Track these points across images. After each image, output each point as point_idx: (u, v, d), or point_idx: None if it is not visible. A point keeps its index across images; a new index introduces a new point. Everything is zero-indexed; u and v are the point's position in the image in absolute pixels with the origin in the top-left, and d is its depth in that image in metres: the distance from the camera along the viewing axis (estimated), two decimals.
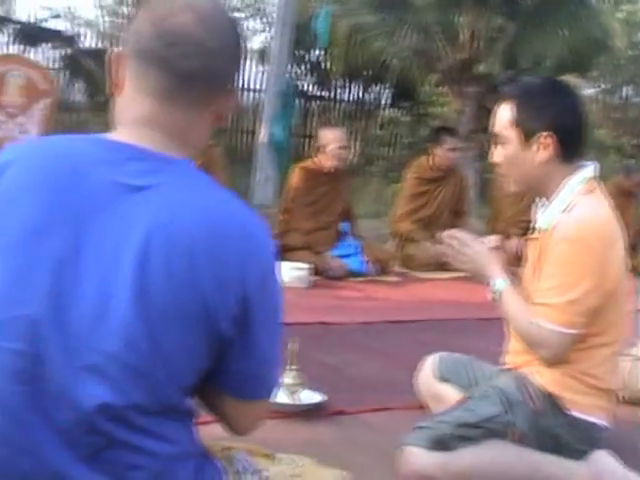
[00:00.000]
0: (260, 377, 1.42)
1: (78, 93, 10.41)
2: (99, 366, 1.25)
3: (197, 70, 1.34)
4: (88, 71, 9.83)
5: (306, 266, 5.74)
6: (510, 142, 2.39)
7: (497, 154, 2.45)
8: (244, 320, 1.32)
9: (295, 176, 6.47)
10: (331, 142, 6.30)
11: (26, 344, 1.27)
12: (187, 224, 1.28)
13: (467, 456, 2.28)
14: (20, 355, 1.27)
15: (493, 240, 2.72)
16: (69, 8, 15.29)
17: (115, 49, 1.43)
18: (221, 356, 1.34)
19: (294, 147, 10.47)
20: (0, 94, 5.06)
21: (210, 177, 1.40)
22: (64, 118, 10.43)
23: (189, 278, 1.27)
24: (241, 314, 1.31)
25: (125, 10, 15.84)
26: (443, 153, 6.96)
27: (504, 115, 2.41)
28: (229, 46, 1.39)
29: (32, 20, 11.09)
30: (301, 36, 11.01)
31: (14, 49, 11.06)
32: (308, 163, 6.61)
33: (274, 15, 10.98)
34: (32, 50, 10.64)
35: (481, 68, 11.01)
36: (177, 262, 1.26)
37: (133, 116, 1.37)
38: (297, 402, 3.03)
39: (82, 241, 1.28)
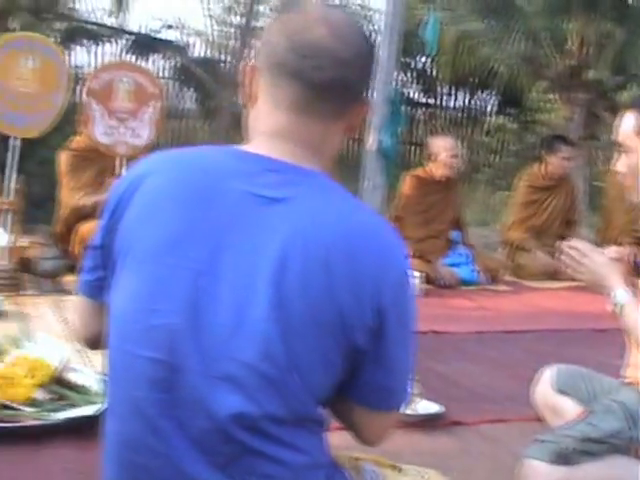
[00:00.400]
0: (392, 388, 1.41)
1: (188, 101, 10.64)
2: (235, 376, 1.27)
3: (332, 82, 1.35)
4: (198, 79, 10.04)
5: (417, 275, 5.72)
6: (634, 151, 2.34)
7: (620, 163, 2.40)
8: (379, 331, 1.32)
9: (406, 184, 6.49)
10: (442, 151, 6.33)
11: (164, 353, 1.30)
12: (324, 235, 1.29)
13: (591, 471, 2.22)
14: (158, 364, 1.30)
15: (613, 251, 2.65)
16: (179, 18, 15.71)
17: (249, 61, 1.45)
18: (354, 367, 1.34)
19: (401, 155, 10.46)
20: (110, 100, 5.17)
21: (343, 188, 1.40)
22: (175, 125, 10.69)
23: (326, 289, 1.27)
24: (376, 325, 1.31)
25: (234, 19, 16.13)
26: (557, 162, 6.87)
27: (628, 124, 2.35)
28: (361, 57, 1.39)
29: (144, 31, 11.38)
30: (407, 43, 10.97)
31: (127, 59, 11.39)
32: (419, 171, 6.64)
33: (381, 23, 10.98)
34: (144, 60, 10.91)
35: (590, 74, 10.76)
36: (314, 273, 1.27)
37: (268, 128, 1.39)
38: (415, 412, 3.02)
39: (219, 252, 1.30)
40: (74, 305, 1.61)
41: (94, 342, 1.59)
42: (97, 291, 1.49)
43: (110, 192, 1.46)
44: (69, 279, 4.99)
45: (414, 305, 1.39)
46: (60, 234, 5.39)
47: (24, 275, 4.89)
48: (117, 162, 5.24)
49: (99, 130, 5.18)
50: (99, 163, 5.40)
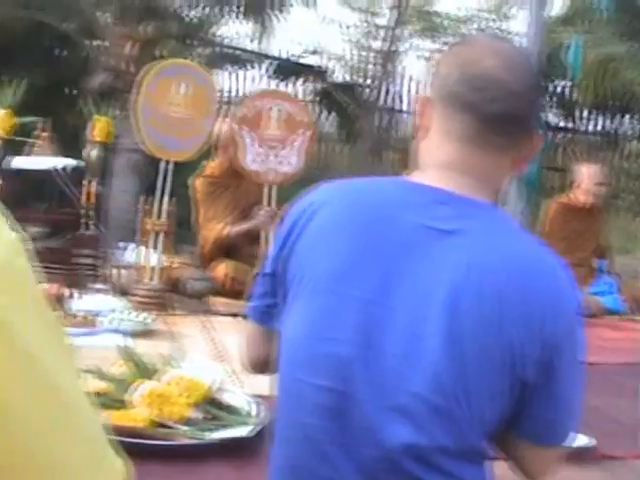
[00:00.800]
0: (559, 424, 1.40)
1: (329, 125, 10.78)
2: (406, 406, 1.28)
3: (504, 114, 1.35)
4: (339, 104, 10.16)
5: None
6: None
7: None
8: (549, 366, 1.31)
9: (551, 211, 6.41)
10: (587, 178, 6.25)
11: (335, 381, 1.32)
12: (497, 269, 1.29)
13: None
14: (329, 392, 1.32)
15: None
16: (319, 43, 15.96)
17: (423, 94, 1.47)
18: (522, 401, 1.33)
19: (541, 180, 10.29)
20: (262, 128, 5.28)
21: (514, 221, 1.40)
22: (317, 148, 10.85)
23: (498, 322, 1.27)
24: (547, 360, 1.30)
25: (373, 44, 16.26)
26: None
27: None
28: (532, 90, 1.39)
29: (286, 56, 11.62)
30: (547, 67, 10.82)
31: (269, 84, 11.65)
32: (563, 198, 6.55)
33: (521, 47, 10.96)
34: (286, 84, 11.13)
35: None
36: (487, 306, 1.27)
37: (439, 159, 1.40)
38: (567, 445, 2.95)
39: (391, 283, 1.31)
40: (245, 329, 1.66)
41: (259, 366, 1.63)
42: (266, 317, 1.53)
43: (283, 221, 1.50)
44: (216, 300, 5.13)
45: (583, 340, 1.37)
46: (206, 261, 5.55)
47: (173, 295, 5.04)
48: (265, 190, 5.35)
49: (249, 157, 5.30)
50: (234, 190, 5.54)
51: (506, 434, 1.39)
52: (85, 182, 5.64)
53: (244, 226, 5.37)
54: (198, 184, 5.65)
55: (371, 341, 1.31)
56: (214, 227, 5.46)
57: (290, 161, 5.34)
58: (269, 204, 5.27)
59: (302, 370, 1.36)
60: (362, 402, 1.30)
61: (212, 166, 5.70)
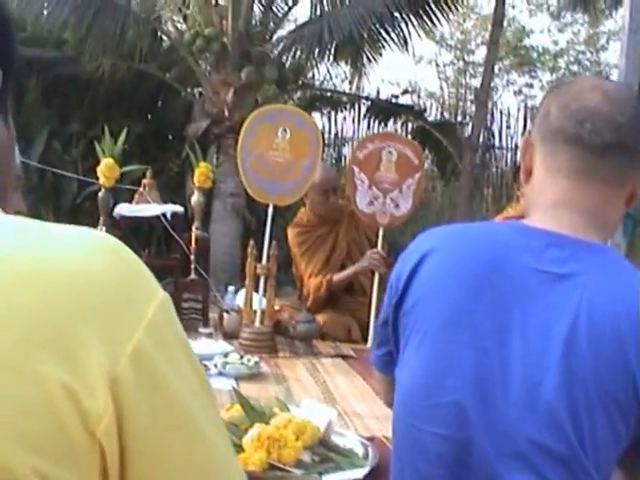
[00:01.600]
0: None
1: (428, 163, 10.81)
2: (525, 453, 1.27)
3: (609, 145, 1.35)
4: (436, 142, 10.16)
5: None
6: None
7: None
8: None
9: None
10: None
11: (453, 429, 1.32)
12: (613, 312, 1.28)
13: None
14: (446, 439, 1.33)
15: None
16: (410, 82, 16.05)
17: (526, 136, 1.48)
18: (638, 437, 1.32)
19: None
20: (375, 170, 5.33)
21: (627, 262, 1.39)
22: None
23: (616, 365, 1.27)
24: None
25: (467, 81, 16.26)
26: None
27: None
28: (635, 119, 1.39)
29: (380, 96, 11.71)
30: None
31: (364, 124, 11.75)
32: None
33: (616, 79, 10.81)
34: (381, 124, 11.20)
35: None
36: (603, 351, 1.27)
37: (547, 199, 1.40)
38: None
39: (506, 329, 1.32)
40: (376, 376, 1.69)
41: None
42: (386, 365, 1.56)
43: (395, 268, 1.52)
44: (322, 343, 5.18)
45: None
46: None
47: (278, 337, 5.10)
48: (380, 234, 5.40)
49: (363, 200, 5.37)
50: (328, 237, 5.61)
51: (620, 469, 1.38)
52: (191, 227, 5.79)
53: (345, 273, 5.44)
54: (291, 235, 5.75)
55: (487, 388, 1.31)
56: (315, 280, 5.54)
57: (400, 204, 5.39)
58: (377, 246, 5.32)
59: (418, 417, 1.38)
60: (481, 450, 1.30)
61: (302, 212, 5.80)
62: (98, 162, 5.54)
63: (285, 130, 5.20)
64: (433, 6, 9.16)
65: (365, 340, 5.35)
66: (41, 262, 0.67)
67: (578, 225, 1.37)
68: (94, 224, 5.95)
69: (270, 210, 5.22)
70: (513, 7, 15.82)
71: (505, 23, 10.96)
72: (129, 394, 0.66)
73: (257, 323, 5.04)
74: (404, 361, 1.43)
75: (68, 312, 0.65)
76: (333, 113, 11.80)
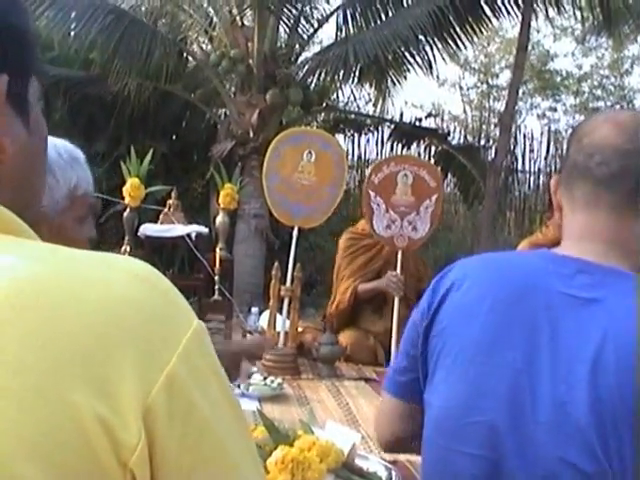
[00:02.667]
0: None
1: (449, 186, 10.83)
2: (557, 473, 1.30)
3: (616, 174, 1.39)
4: (459, 165, 10.17)
5: None
6: None
7: None
8: None
9: None
10: None
11: (486, 450, 1.35)
12: (633, 337, 1.31)
13: None
14: (479, 460, 1.35)
15: None
16: (434, 104, 16.08)
17: (556, 175, 1.53)
18: None
19: None
20: (391, 194, 5.36)
21: None
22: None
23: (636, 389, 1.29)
24: None
25: (491, 104, 16.28)
26: None
27: None
28: None
29: (404, 119, 11.74)
30: None
31: (387, 147, 11.78)
32: None
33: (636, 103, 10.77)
34: (406, 147, 11.23)
35: None
36: (629, 371, 1.29)
37: (572, 231, 1.44)
38: None
39: (536, 351, 1.35)
40: (381, 404, 1.69)
41: (395, 444, 1.67)
42: (406, 392, 1.57)
43: (426, 293, 1.55)
44: (344, 365, 5.20)
45: None
46: (330, 321, 5.65)
47: (300, 359, 5.12)
48: (399, 256, 5.42)
49: (381, 223, 5.40)
50: (372, 249, 5.62)
51: None
52: (214, 248, 5.84)
53: (370, 285, 5.47)
54: (342, 240, 5.83)
55: (518, 409, 1.34)
56: (345, 284, 5.58)
57: (418, 227, 5.41)
58: (395, 268, 5.34)
59: (451, 438, 1.40)
60: (512, 470, 1.33)
61: (362, 223, 5.83)
62: (123, 181, 5.60)
63: (310, 153, 5.25)
64: (458, 29, 9.21)
65: (389, 364, 5.36)
66: (76, 290, 0.67)
67: (601, 254, 1.40)
68: (118, 243, 6.02)
69: (295, 232, 5.26)
70: (538, 31, 15.84)
71: (529, 47, 10.99)
72: (161, 423, 0.66)
73: (280, 345, 5.07)
74: (434, 384, 1.46)
75: (103, 340, 0.66)
76: (356, 135, 11.82)
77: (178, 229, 5.75)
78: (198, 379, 0.70)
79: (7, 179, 0.78)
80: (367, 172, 11.92)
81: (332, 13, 9.67)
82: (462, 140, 12.46)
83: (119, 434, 0.64)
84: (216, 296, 5.59)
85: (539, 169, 12.40)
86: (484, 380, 1.37)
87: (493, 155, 10.27)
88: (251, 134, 8.71)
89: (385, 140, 11.78)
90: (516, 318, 1.38)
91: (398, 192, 5.41)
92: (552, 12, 9.78)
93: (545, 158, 12.46)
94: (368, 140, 12.06)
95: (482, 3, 9.16)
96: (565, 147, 1.53)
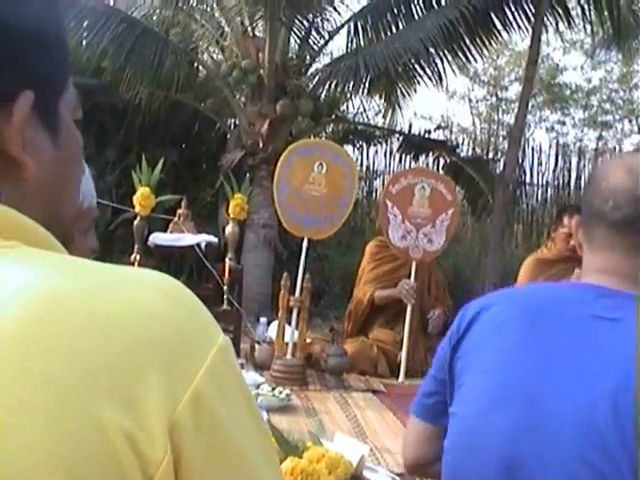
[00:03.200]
0: None
1: (459, 198, 10.85)
2: (576, 474, 1.34)
3: (628, 218, 1.48)
4: (468, 178, 10.18)
5: None
6: None
7: None
8: None
9: None
10: None
11: (506, 450, 1.40)
12: None
13: None
14: (499, 461, 1.40)
15: None
16: (443, 117, 16.12)
17: (578, 217, 1.63)
18: None
19: None
20: (408, 205, 5.40)
21: None
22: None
23: None
24: None
25: (497, 117, 16.31)
26: None
27: None
28: None
29: (413, 131, 11.75)
30: None
31: (396, 158, 11.80)
32: None
33: None
34: (414, 159, 11.25)
35: None
36: None
37: (593, 267, 1.55)
38: None
39: (560, 359, 1.42)
40: (408, 426, 1.71)
41: (421, 467, 1.70)
42: (434, 415, 1.62)
43: (457, 317, 1.61)
44: (352, 376, 5.21)
45: None
46: (346, 325, 5.69)
47: (309, 370, 5.13)
48: (413, 268, 5.45)
49: (397, 234, 5.44)
50: (399, 260, 5.69)
51: None
52: (223, 258, 5.85)
53: (386, 292, 5.52)
54: (370, 245, 5.90)
55: (541, 411, 1.39)
56: (365, 287, 5.63)
57: (433, 239, 5.46)
58: (409, 278, 5.38)
59: (472, 440, 1.45)
60: (532, 470, 1.38)
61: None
62: (132, 189, 5.63)
63: (321, 164, 5.28)
64: (468, 42, 9.24)
65: (393, 374, 5.38)
66: (103, 304, 0.67)
67: (618, 284, 1.48)
68: (127, 251, 6.04)
69: (305, 243, 5.28)
70: (547, 44, 15.88)
71: (539, 60, 11.00)
72: (187, 438, 0.66)
73: (289, 355, 5.09)
74: (458, 396, 1.52)
75: (129, 356, 0.66)
76: (365, 146, 11.85)
77: (188, 238, 5.78)
78: (224, 394, 0.70)
79: (34, 196, 0.78)
80: (375, 184, 12.08)
81: (343, 25, 9.70)
82: (471, 152, 12.49)
83: (145, 449, 0.64)
84: (225, 306, 5.61)
85: (547, 182, 12.43)
86: (507, 385, 1.44)
87: (502, 168, 10.28)
88: (261, 144, 8.74)
89: (394, 151, 11.80)
90: (542, 331, 1.46)
91: (415, 204, 5.45)
92: (562, 26, 9.81)
93: (553, 171, 12.51)
94: (377, 151, 12.09)
95: (493, 16, 9.20)
96: (584, 189, 1.62)
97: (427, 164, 11.21)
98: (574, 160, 12.70)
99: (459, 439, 1.50)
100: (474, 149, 12.83)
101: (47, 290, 0.67)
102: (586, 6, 9.46)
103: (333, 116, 10.60)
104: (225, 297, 5.65)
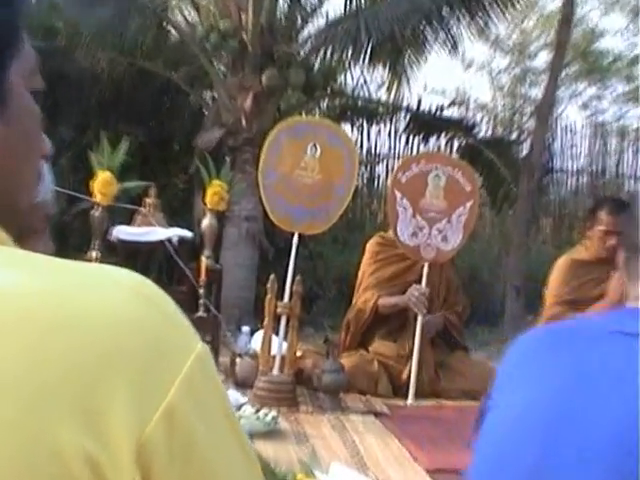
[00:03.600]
0: None
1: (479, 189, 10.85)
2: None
3: None
4: (487, 163, 10.16)
5: None
6: None
7: None
8: None
9: None
10: None
11: (532, 459, 1.48)
12: None
13: None
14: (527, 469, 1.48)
15: None
16: (458, 91, 16.10)
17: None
18: None
19: None
20: (420, 196, 5.39)
21: None
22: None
23: None
24: None
25: (522, 91, 16.33)
26: None
27: None
28: None
29: (423, 107, 11.72)
30: None
31: (402, 139, 11.79)
32: None
33: None
34: (425, 140, 11.24)
35: None
36: None
37: (633, 294, 1.61)
38: None
39: (589, 382, 1.48)
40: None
41: None
42: None
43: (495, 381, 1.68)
44: (350, 396, 5.21)
45: None
46: (344, 335, 5.72)
47: (299, 388, 5.13)
48: (425, 270, 5.46)
49: (406, 230, 5.45)
50: (406, 261, 5.71)
51: None
52: (198, 255, 5.86)
53: (393, 300, 5.51)
54: (371, 243, 5.90)
55: (562, 441, 1.45)
56: (366, 294, 5.63)
57: (448, 237, 5.46)
58: (420, 282, 5.38)
59: (503, 448, 1.53)
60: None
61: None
62: (91, 174, 5.61)
63: (315, 146, 5.28)
64: (487, 2, 9.23)
65: (396, 394, 5.39)
66: (65, 308, 0.68)
67: None
68: (84, 247, 6.03)
69: (295, 239, 5.28)
70: (582, 4, 15.84)
71: (573, 22, 10.97)
72: (158, 461, 0.67)
73: (276, 371, 5.08)
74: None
75: (94, 366, 0.66)
76: (366, 126, 11.80)
77: (157, 232, 5.81)
78: (201, 410, 0.71)
79: None
80: (378, 169, 12.07)
81: None
82: (490, 133, 12.49)
83: (109, 474, 0.65)
84: (200, 312, 5.62)
85: (581, 168, 12.41)
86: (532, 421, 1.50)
87: (527, 151, 10.29)
88: (243, 122, 8.73)
89: (400, 131, 11.77)
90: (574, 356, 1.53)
91: (428, 195, 5.44)
92: None
93: (588, 155, 12.47)
94: (380, 131, 12.06)
95: None
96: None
97: (439, 146, 11.21)
98: (613, 142, 12.70)
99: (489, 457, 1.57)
100: (494, 129, 12.86)
101: (9, 292, 0.68)
102: None
103: (329, 89, 10.59)
104: (201, 302, 5.67)
